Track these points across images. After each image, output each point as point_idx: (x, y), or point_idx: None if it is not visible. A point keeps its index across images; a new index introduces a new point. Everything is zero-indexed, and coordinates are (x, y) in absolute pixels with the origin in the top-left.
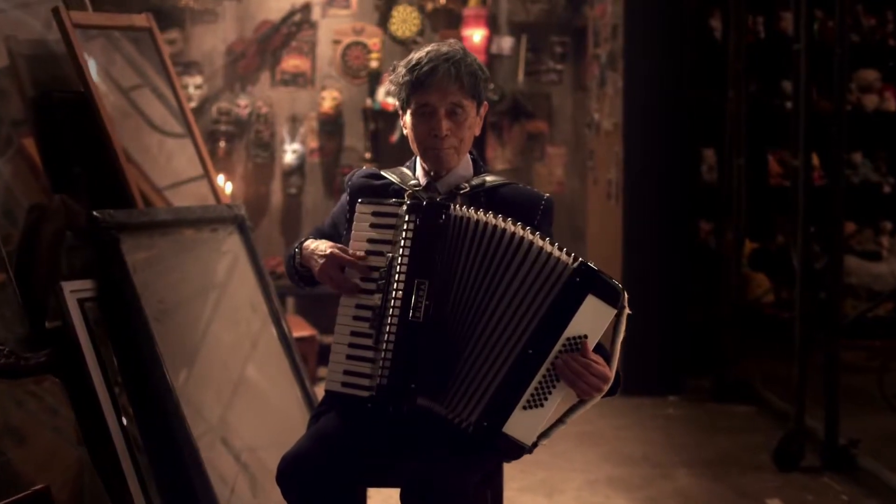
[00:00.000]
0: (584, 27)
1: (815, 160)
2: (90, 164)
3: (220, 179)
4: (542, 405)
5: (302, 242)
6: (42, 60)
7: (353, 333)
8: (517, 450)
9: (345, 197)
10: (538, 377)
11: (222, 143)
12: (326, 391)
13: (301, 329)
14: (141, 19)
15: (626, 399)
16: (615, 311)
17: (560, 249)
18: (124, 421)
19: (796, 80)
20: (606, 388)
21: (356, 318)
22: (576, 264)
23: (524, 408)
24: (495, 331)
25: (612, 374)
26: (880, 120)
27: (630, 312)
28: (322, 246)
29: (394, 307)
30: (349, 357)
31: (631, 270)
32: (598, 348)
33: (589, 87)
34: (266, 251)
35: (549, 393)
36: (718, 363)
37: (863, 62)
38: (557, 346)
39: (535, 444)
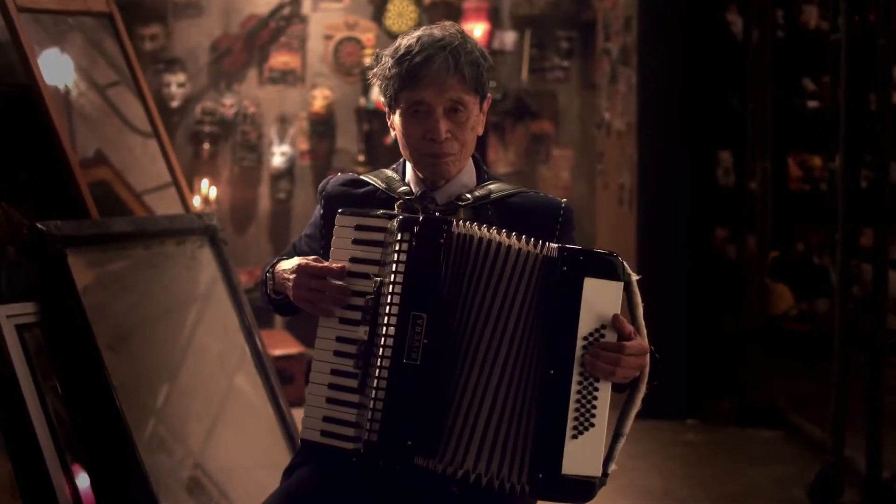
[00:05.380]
0: (592, 21)
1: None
2: (38, 168)
3: (205, 184)
4: (592, 424)
5: (273, 265)
6: None
7: (335, 372)
8: (589, 487)
9: (318, 210)
10: (574, 395)
11: (206, 146)
12: (302, 440)
13: (288, 346)
14: (99, 3)
15: (641, 422)
16: (622, 284)
17: (529, 242)
18: (70, 468)
19: (835, 74)
20: (647, 360)
21: (338, 353)
22: (555, 253)
23: (574, 437)
24: (514, 371)
25: (647, 343)
26: None
27: (638, 277)
28: (290, 263)
29: (384, 346)
30: (330, 401)
31: (645, 282)
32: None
33: (598, 85)
34: (253, 259)
35: (594, 407)
36: (740, 382)
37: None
38: (578, 351)
39: (605, 474)
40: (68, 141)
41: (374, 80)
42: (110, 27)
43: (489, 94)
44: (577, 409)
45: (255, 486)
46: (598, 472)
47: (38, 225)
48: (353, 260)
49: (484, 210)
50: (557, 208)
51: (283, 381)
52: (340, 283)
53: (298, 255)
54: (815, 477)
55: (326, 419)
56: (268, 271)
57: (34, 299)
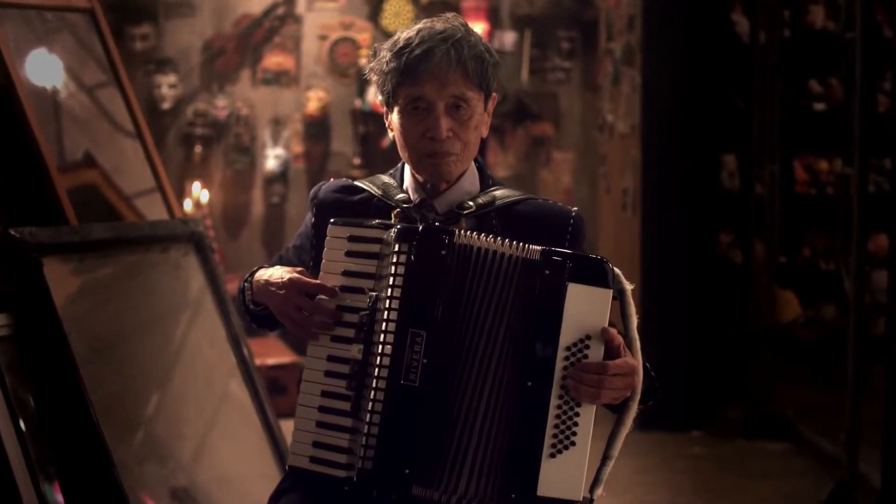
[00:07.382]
0: (594, 20)
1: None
2: (15, 171)
3: (196, 187)
4: (573, 443)
5: (253, 273)
6: None
7: (325, 394)
8: None
9: (309, 218)
10: (553, 410)
11: (198, 148)
12: (290, 466)
13: (281, 355)
14: None
15: (645, 434)
16: (610, 291)
17: (512, 245)
18: (45, 490)
19: (850, 74)
20: (639, 380)
21: (329, 373)
22: (537, 255)
23: (552, 455)
24: (501, 387)
25: (638, 363)
26: None
27: (632, 286)
28: (277, 273)
29: (380, 366)
30: (320, 424)
31: (650, 289)
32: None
33: (600, 86)
34: (246, 265)
35: (576, 424)
36: (746, 392)
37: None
38: (559, 363)
39: (590, 500)
40: (46, 143)
41: (372, 76)
42: (92, 24)
43: (494, 93)
44: (556, 426)
45: (245, 497)
46: (579, 496)
47: (12, 231)
48: (347, 273)
49: (488, 219)
50: (567, 217)
51: (275, 391)
52: (332, 307)
53: (283, 265)
54: (828, 495)
55: (316, 444)
56: (246, 280)
57: (7, 310)
